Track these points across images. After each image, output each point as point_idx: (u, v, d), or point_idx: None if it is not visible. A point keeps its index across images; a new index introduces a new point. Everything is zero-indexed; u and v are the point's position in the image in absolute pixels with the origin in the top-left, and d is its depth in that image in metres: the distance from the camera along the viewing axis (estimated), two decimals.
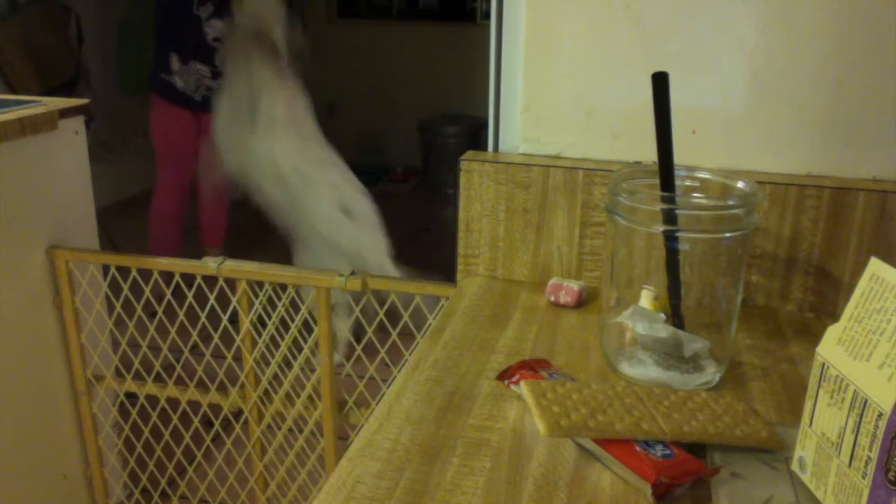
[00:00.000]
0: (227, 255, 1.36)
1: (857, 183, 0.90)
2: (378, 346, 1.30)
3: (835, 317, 0.80)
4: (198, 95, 2.92)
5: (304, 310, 1.34)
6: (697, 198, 0.78)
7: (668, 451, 0.59)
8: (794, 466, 0.60)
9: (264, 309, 1.36)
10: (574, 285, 0.92)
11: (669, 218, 0.71)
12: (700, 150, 0.96)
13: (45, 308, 1.50)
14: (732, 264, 0.74)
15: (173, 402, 1.49)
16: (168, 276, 1.34)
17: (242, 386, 1.43)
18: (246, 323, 1.36)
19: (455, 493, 0.58)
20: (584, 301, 0.93)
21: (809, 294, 0.92)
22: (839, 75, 0.90)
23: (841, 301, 0.91)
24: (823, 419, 0.56)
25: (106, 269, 1.46)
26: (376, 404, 0.76)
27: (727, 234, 0.72)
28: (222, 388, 1.45)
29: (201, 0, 2.81)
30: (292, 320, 1.35)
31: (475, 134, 4.71)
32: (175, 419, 1.50)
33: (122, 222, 4.12)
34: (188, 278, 1.35)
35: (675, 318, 0.74)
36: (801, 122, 0.93)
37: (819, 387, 0.56)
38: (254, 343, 1.39)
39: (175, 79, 2.89)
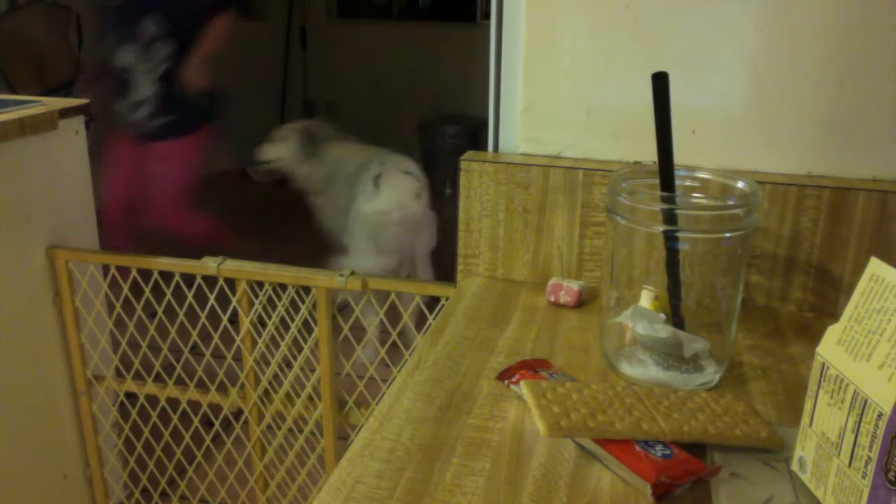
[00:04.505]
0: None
1: (857, 183, 0.90)
2: (378, 346, 1.29)
3: (835, 317, 0.80)
4: None
5: (304, 310, 1.34)
6: (697, 198, 0.78)
7: (667, 451, 0.59)
8: (794, 466, 0.60)
9: (264, 309, 1.36)
10: (574, 285, 0.92)
11: (669, 218, 0.71)
12: (700, 150, 0.96)
13: (45, 308, 1.50)
14: (732, 264, 0.74)
15: (173, 403, 1.49)
16: (168, 276, 1.34)
17: (242, 386, 1.43)
18: (246, 323, 1.36)
19: (455, 493, 0.58)
20: (584, 301, 0.93)
21: (809, 294, 0.92)
22: (839, 75, 0.90)
23: (841, 301, 0.91)
24: (823, 419, 0.56)
25: (106, 269, 1.46)
26: (376, 404, 0.76)
27: (727, 234, 0.72)
28: (222, 388, 1.45)
29: None
30: (292, 320, 1.35)
31: (475, 134, 4.70)
32: (175, 419, 1.50)
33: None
34: (188, 278, 1.35)
35: (675, 318, 0.74)
36: (801, 122, 0.93)
37: (819, 387, 0.56)
38: (254, 343, 1.39)
39: None
